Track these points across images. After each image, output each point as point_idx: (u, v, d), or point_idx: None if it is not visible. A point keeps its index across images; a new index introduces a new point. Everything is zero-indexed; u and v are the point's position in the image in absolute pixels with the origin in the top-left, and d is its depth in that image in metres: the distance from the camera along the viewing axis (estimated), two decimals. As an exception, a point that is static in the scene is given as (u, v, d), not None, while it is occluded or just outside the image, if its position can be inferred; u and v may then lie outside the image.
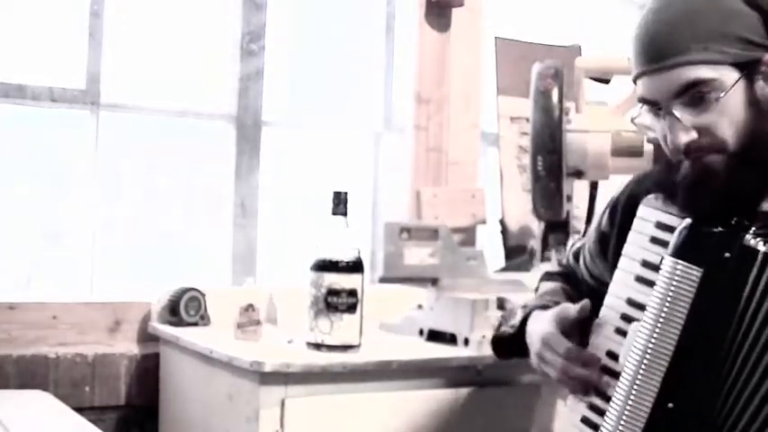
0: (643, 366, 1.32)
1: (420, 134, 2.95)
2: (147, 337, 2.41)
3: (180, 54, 2.69)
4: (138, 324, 2.44)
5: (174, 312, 2.35)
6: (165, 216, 2.73)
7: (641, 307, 1.36)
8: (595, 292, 1.53)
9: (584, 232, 1.75)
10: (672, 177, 1.39)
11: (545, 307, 1.60)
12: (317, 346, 2.05)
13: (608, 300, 1.44)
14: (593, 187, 2.73)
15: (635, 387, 1.33)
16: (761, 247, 1.30)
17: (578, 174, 2.54)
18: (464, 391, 2.10)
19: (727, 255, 1.31)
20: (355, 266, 2.07)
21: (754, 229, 1.32)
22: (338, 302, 2.04)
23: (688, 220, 1.34)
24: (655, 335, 1.32)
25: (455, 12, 2.97)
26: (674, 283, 1.32)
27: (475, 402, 2.10)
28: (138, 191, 2.70)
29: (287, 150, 2.90)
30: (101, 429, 1.90)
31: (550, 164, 2.47)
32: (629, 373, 1.34)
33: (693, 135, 1.34)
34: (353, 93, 3.01)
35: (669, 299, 1.32)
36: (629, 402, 1.33)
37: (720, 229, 1.32)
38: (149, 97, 2.64)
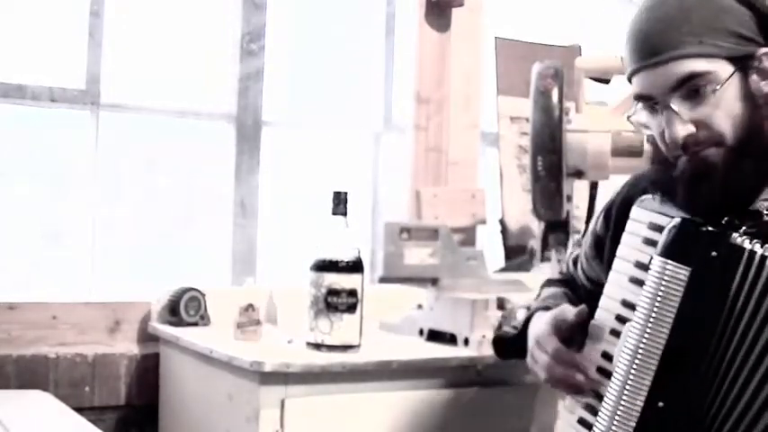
0: (634, 366, 1.33)
1: (420, 134, 2.95)
2: (147, 337, 2.41)
3: (180, 54, 2.69)
4: (138, 324, 2.44)
5: (174, 312, 2.35)
6: (165, 216, 2.73)
7: (635, 308, 1.37)
8: (593, 294, 1.54)
9: (584, 233, 1.75)
10: (668, 175, 1.40)
11: (548, 308, 1.60)
12: (317, 346, 2.05)
13: (603, 301, 1.44)
14: (593, 187, 2.73)
15: (626, 387, 1.33)
16: (747, 246, 1.30)
17: (578, 174, 2.54)
18: (464, 391, 2.10)
19: (714, 253, 1.31)
20: (355, 266, 2.07)
21: (744, 228, 1.32)
22: (338, 302, 2.04)
23: (677, 220, 1.35)
24: (644, 335, 1.33)
25: (455, 12, 2.97)
26: (663, 282, 1.32)
27: (475, 402, 2.10)
28: (138, 191, 2.70)
29: (287, 150, 2.90)
30: (101, 429, 1.90)
31: (550, 164, 2.47)
32: (621, 373, 1.34)
33: (691, 128, 1.35)
34: (353, 93, 3.01)
35: (658, 299, 1.32)
36: (621, 402, 1.34)
37: (708, 227, 1.33)
38: (149, 97, 2.64)
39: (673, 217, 1.36)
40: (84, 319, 2.39)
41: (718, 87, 1.34)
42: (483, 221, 2.97)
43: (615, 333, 1.40)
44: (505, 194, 3.01)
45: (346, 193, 2.11)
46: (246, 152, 2.76)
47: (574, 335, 1.46)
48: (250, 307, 2.19)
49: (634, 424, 1.33)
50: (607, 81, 2.57)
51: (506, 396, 2.13)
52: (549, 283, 1.78)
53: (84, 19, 2.52)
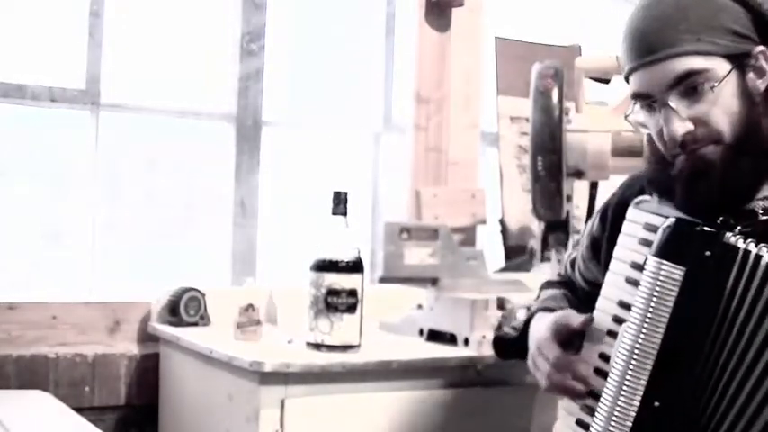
0: (630, 366, 1.33)
1: (420, 134, 2.95)
2: (146, 337, 2.41)
3: (180, 54, 2.69)
4: (138, 324, 2.44)
5: (173, 312, 2.35)
6: (165, 216, 2.73)
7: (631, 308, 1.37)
8: (590, 296, 1.54)
9: (582, 234, 1.76)
10: (666, 174, 1.40)
11: (548, 309, 1.61)
12: (317, 346, 2.05)
13: (600, 303, 1.45)
14: (593, 187, 2.73)
15: (622, 387, 1.34)
16: (741, 245, 1.30)
17: (578, 174, 2.54)
18: (464, 391, 2.10)
19: (708, 253, 1.32)
20: (355, 266, 2.07)
21: (739, 228, 1.32)
22: (338, 302, 2.04)
23: (671, 219, 1.35)
24: (639, 335, 1.33)
25: (455, 12, 2.97)
26: (658, 283, 1.33)
27: (475, 402, 2.10)
28: (138, 191, 2.70)
29: (287, 150, 2.90)
30: (101, 429, 1.90)
31: (550, 164, 2.47)
32: (617, 373, 1.35)
33: (689, 126, 1.35)
34: (353, 93, 3.01)
35: (653, 299, 1.33)
36: (617, 402, 1.34)
37: (702, 227, 1.33)
38: (149, 97, 2.64)
39: (668, 217, 1.37)
40: (84, 319, 2.39)
41: (716, 85, 1.34)
42: (483, 221, 2.97)
43: (612, 334, 1.40)
44: (505, 194, 3.01)
45: (346, 193, 2.11)
46: (246, 152, 2.76)
47: (575, 339, 1.47)
48: (250, 307, 2.19)
49: (630, 424, 1.33)
50: (607, 81, 2.57)
51: (506, 396, 2.13)
52: (548, 284, 1.78)
53: (84, 19, 2.52)
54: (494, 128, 3.07)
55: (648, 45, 1.36)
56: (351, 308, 2.05)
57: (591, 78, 2.59)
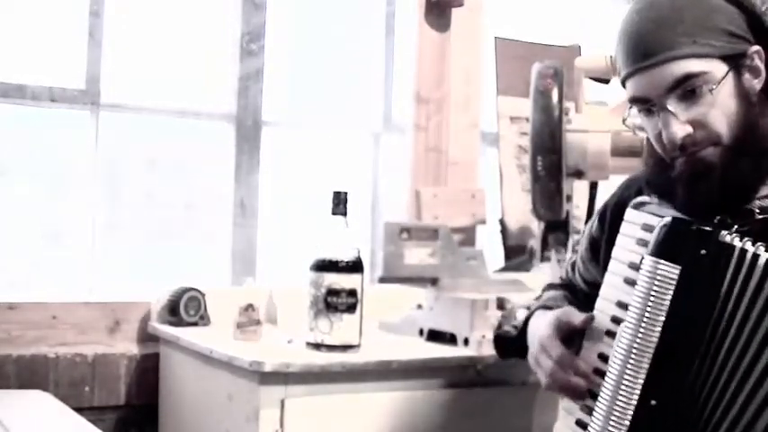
0: (628, 366, 1.34)
1: (420, 134, 2.95)
2: (146, 337, 2.41)
3: (180, 54, 2.69)
4: (138, 324, 2.44)
5: (173, 312, 2.35)
6: (165, 216, 2.73)
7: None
8: (591, 297, 1.55)
9: (581, 236, 1.76)
10: (665, 176, 1.40)
11: (548, 308, 1.61)
12: (317, 346, 2.05)
13: (599, 303, 1.45)
14: (593, 187, 2.73)
15: (619, 386, 1.34)
16: (737, 243, 1.31)
17: (578, 174, 2.54)
18: (464, 391, 2.10)
19: (703, 252, 1.32)
20: (355, 266, 2.07)
21: (736, 227, 1.32)
22: (338, 302, 2.04)
23: (667, 219, 1.36)
24: (637, 335, 1.33)
25: (455, 12, 2.97)
26: (654, 282, 1.33)
27: (475, 402, 2.10)
28: (138, 191, 2.70)
29: (287, 150, 2.90)
30: (100, 429, 1.90)
31: (550, 164, 2.47)
32: (614, 372, 1.35)
33: (688, 129, 1.35)
34: (353, 93, 3.01)
35: (649, 298, 1.33)
36: (614, 402, 1.34)
37: (697, 226, 1.33)
38: (149, 97, 2.64)
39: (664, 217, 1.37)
40: (84, 319, 2.39)
41: (714, 87, 1.34)
42: (483, 221, 2.97)
43: (611, 334, 1.40)
44: (505, 194, 3.01)
45: (346, 193, 2.11)
46: (246, 152, 2.76)
47: (575, 337, 1.47)
48: (250, 307, 2.19)
49: (628, 423, 1.33)
50: (607, 81, 2.57)
51: (506, 396, 2.13)
52: (549, 287, 1.78)
53: (84, 19, 2.52)
54: (494, 128, 3.07)
55: (645, 49, 1.36)
56: (351, 308, 2.05)
57: (591, 78, 2.59)
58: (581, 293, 1.68)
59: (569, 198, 2.55)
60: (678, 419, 1.32)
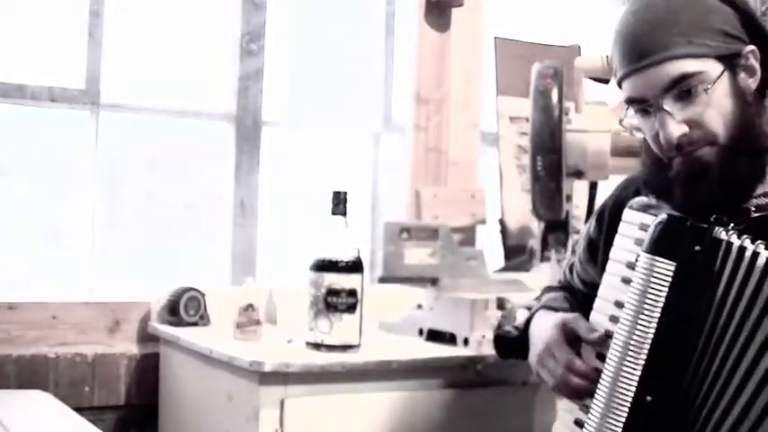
0: (623, 362, 1.34)
1: (420, 134, 2.95)
2: (146, 336, 2.41)
3: (180, 54, 2.69)
4: (138, 324, 2.44)
5: (173, 312, 2.35)
6: (165, 216, 2.73)
7: None
8: (588, 298, 1.56)
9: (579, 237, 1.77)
10: (663, 176, 1.41)
11: (551, 308, 1.61)
12: (317, 346, 2.05)
13: (597, 303, 1.46)
14: (593, 187, 2.73)
15: (616, 383, 1.35)
16: (733, 240, 1.31)
17: (578, 174, 2.54)
18: (464, 392, 2.10)
19: (698, 248, 1.33)
20: (355, 266, 2.07)
21: (732, 224, 1.33)
22: (338, 302, 2.04)
23: (662, 216, 1.36)
24: (633, 331, 1.34)
25: (455, 12, 2.97)
26: (650, 279, 1.34)
27: (475, 402, 2.10)
28: (138, 191, 2.70)
29: (287, 150, 2.90)
30: (100, 429, 1.90)
31: (550, 164, 2.47)
32: (610, 369, 1.36)
33: (685, 129, 1.36)
34: (353, 93, 3.01)
35: (644, 295, 1.34)
36: (611, 398, 1.35)
37: (691, 222, 1.34)
38: (149, 97, 2.64)
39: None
40: (84, 319, 2.39)
41: (709, 86, 1.35)
42: (483, 221, 2.97)
43: (609, 335, 1.41)
44: (505, 194, 3.01)
45: (346, 193, 2.11)
46: (246, 152, 2.76)
47: (578, 343, 1.47)
48: (250, 307, 2.19)
49: (623, 419, 1.34)
50: (606, 81, 2.57)
51: (506, 396, 2.13)
52: (548, 289, 1.79)
53: (84, 19, 2.52)
54: (493, 128, 3.07)
55: (640, 50, 1.37)
56: (350, 308, 2.05)
57: (590, 78, 2.59)
58: (579, 294, 1.68)
59: (569, 198, 2.55)
60: (674, 415, 1.32)
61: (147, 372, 2.37)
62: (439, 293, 2.26)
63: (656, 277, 1.33)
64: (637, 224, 1.40)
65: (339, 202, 2.10)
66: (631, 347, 1.34)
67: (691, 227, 1.34)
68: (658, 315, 1.33)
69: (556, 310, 1.62)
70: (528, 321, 1.65)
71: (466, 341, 2.15)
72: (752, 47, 1.38)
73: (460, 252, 2.38)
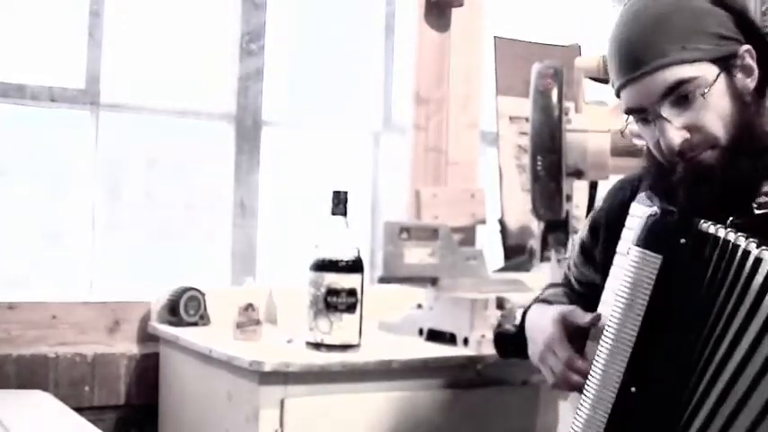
0: (613, 354, 1.35)
1: (419, 134, 2.95)
2: (146, 336, 2.41)
3: (180, 54, 2.69)
4: (138, 324, 2.44)
5: (173, 312, 2.35)
6: (165, 216, 2.73)
7: None
8: (584, 297, 1.57)
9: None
10: (667, 180, 1.41)
11: (546, 302, 1.62)
12: (317, 346, 2.05)
13: (604, 295, 1.46)
14: (593, 187, 2.73)
15: (605, 375, 1.36)
16: (720, 234, 1.31)
17: (578, 174, 2.54)
18: (463, 391, 2.10)
19: (683, 241, 1.33)
20: (355, 266, 2.07)
21: (730, 220, 1.33)
22: (338, 302, 2.04)
23: (653, 209, 1.37)
24: (622, 323, 1.35)
25: (455, 12, 2.97)
26: (639, 271, 1.35)
27: (475, 402, 2.10)
28: (138, 191, 2.70)
29: (287, 150, 2.90)
30: (100, 429, 1.90)
31: (550, 164, 2.47)
32: (601, 361, 1.37)
33: (685, 134, 1.36)
34: (353, 93, 3.01)
35: (633, 287, 1.35)
36: (602, 389, 1.36)
37: (677, 215, 1.34)
38: (149, 97, 2.64)
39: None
40: (84, 318, 2.39)
41: (706, 91, 1.35)
42: (483, 221, 2.97)
43: None
44: (505, 194, 3.01)
45: (346, 193, 2.11)
46: (246, 152, 2.76)
47: (579, 335, 1.47)
48: (250, 307, 2.19)
49: (608, 409, 1.35)
50: (606, 81, 2.56)
51: (506, 396, 2.13)
52: (550, 286, 1.79)
53: (84, 19, 2.52)
54: (493, 128, 3.07)
55: (635, 59, 1.37)
56: (350, 308, 2.05)
57: (590, 78, 2.59)
58: (577, 294, 1.69)
59: (569, 198, 2.55)
60: (659, 406, 1.32)
61: (147, 372, 2.37)
62: (439, 293, 2.26)
63: (644, 270, 1.34)
64: (642, 217, 1.41)
65: (339, 202, 2.10)
66: (620, 340, 1.35)
67: (676, 220, 1.34)
68: (643, 306, 1.34)
69: (551, 303, 1.62)
70: (523, 316, 1.65)
71: (466, 341, 2.15)
72: (747, 46, 1.38)
73: (460, 252, 2.38)
